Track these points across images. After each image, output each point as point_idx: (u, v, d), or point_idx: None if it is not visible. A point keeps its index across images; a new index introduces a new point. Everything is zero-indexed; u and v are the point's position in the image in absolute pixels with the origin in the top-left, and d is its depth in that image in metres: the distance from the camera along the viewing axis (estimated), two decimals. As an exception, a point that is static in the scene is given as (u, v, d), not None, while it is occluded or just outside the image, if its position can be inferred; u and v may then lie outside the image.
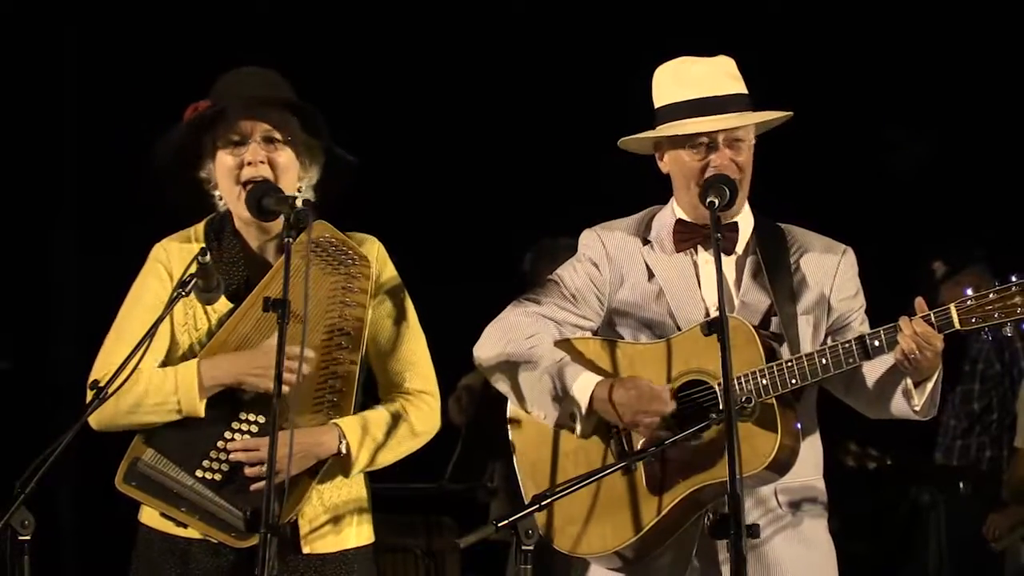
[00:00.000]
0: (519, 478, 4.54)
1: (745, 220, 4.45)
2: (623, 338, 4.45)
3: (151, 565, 4.24)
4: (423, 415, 4.38)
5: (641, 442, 4.32)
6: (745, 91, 4.40)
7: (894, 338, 4.15)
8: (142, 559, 4.28)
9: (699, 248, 4.42)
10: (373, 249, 4.37)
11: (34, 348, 8.36)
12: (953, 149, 8.58)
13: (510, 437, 4.56)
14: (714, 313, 4.30)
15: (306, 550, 4.24)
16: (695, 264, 4.42)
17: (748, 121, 4.37)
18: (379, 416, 4.32)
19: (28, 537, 3.91)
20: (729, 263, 4.41)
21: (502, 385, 4.48)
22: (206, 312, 4.26)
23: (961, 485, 7.62)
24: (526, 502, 4.21)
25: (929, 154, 8.62)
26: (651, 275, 4.44)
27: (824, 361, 4.20)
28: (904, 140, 8.66)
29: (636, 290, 4.45)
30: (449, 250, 8.77)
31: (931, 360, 4.14)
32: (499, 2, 8.89)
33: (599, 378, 4.36)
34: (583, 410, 4.35)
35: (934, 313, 4.11)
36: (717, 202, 4.24)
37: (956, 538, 7.52)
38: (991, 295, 4.06)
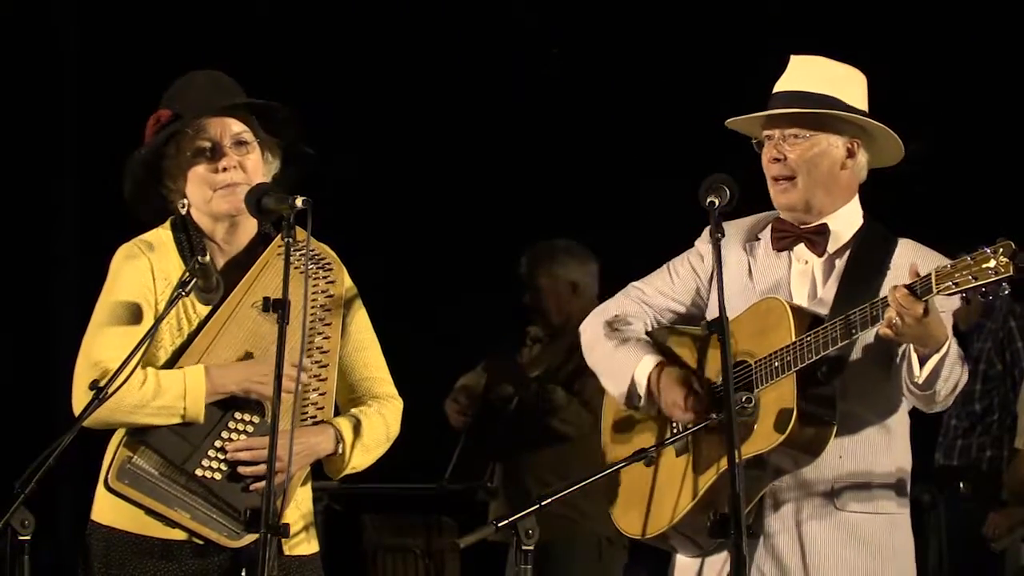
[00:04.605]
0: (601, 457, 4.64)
1: (841, 221, 4.46)
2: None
3: (117, 567, 4.18)
4: (397, 420, 4.40)
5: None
6: (836, 95, 4.40)
7: (873, 314, 4.19)
8: (102, 560, 4.20)
9: (795, 248, 4.46)
10: (335, 255, 4.37)
11: (34, 348, 8.36)
12: (952, 148, 8.57)
13: (602, 416, 4.68)
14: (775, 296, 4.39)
15: (287, 552, 4.22)
16: (790, 263, 4.47)
17: (772, 112, 4.40)
18: (368, 419, 4.33)
19: (28, 537, 3.91)
20: (820, 263, 4.44)
21: (591, 361, 4.63)
22: (187, 314, 4.25)
23: (961, 485, 7.62)
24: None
25: (923, 152, 8.60)
26: (750, 273, 4.50)
27: (821, 338, 4.24)
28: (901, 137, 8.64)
29: (732, 285, 4.45)
30: (446, 254, 8.78)
31: (916, 328, 4.13)
32: (496, 7, 8.89)
33: (659, 360, 4.46)
34: (643, 391, 4.47)
35: (917, 279, 4.13)
36: (717, 202, 4.27)
37: (956, 538, 7.51)
38: (968, 259, 4.08)
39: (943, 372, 4.22)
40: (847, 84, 4.45)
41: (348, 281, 4.36)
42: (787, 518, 4.34)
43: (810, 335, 4.25)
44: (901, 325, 4.12)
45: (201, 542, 4.18)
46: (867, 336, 4.28)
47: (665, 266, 4.65)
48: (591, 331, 4.64)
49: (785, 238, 4.47)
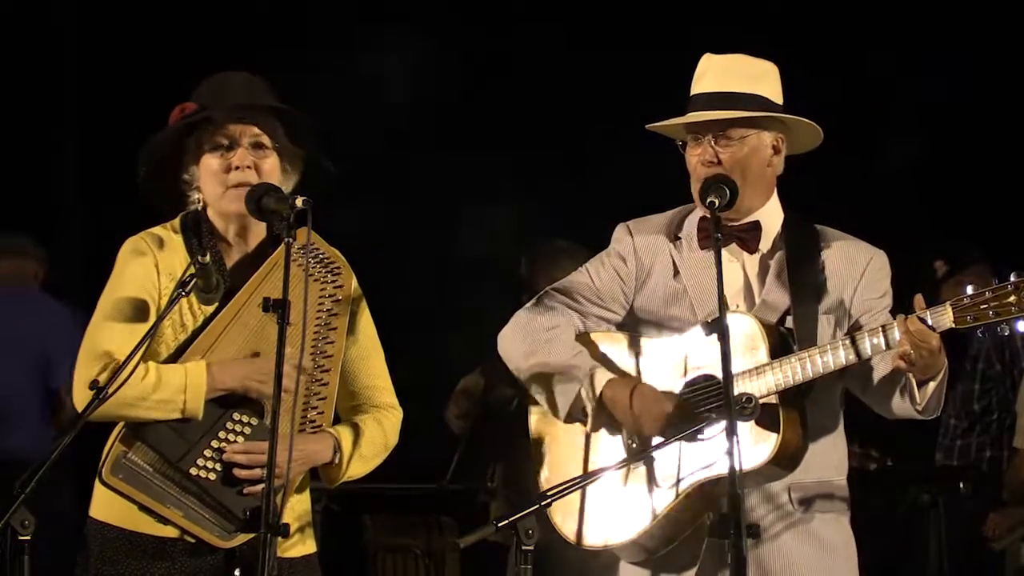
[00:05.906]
0: (537, 468, 4.53)
1: (769, 217, 4.42)
2: (645, 333, 4.45)
3: (111, 564, 4.18)
4: (396, 431, 4.40)
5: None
6: (759, 92, 4.36)
7: (889, 338, 4.14)
8: (97, 557, 4.20)
9: (724, 246, 4.38)
10: (345, 259, 4.36)
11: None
12: (951, 148, 8.57)
13: (530, 427, 4.56)
14: (733, 311, 4.31)
15: (280, 555, 4.20)
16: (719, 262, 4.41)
17: (706, 117, 4.34)
18: (367, 429, 4.33)
19: (28, 537, 3.91)
20: (753, 261, 4.41)
21: (520, 374, 4.50)
22: (192, 310, 4.25)
23: (961, 485, 7.62)
24: (543, 490, 4.25)
25: (921, 154, 8.62)
26: (676, 272, 4.43)
27: (820, 360, 4.19)
28: (896, 140, 8.66)
29: (660, 287, 4.44)
30: (445, 254, 8.78)
31: (928, 359, 4.11)
32: (496, 6, 8.90)
33: (610, 376, 4.36)
34: (593, 407, 4.36)
35: (930, 311, 4.09)
36: (717, 202, 4.24)
37: (956, 538, 7.51)
38: (987, 294, 4.03)
39: (940, 392, 4.22)
40: (767, 80, 4.41)
41: (356, 286, 4.34)
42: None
43: (794, 358, 4.21)
44: (916, 358, 4.08)
45: (193, 540, 4.17)
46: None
47: (583, 268, 4.54)
48: (517, 343, 4.50)
49: (711, 237, 4.32)
